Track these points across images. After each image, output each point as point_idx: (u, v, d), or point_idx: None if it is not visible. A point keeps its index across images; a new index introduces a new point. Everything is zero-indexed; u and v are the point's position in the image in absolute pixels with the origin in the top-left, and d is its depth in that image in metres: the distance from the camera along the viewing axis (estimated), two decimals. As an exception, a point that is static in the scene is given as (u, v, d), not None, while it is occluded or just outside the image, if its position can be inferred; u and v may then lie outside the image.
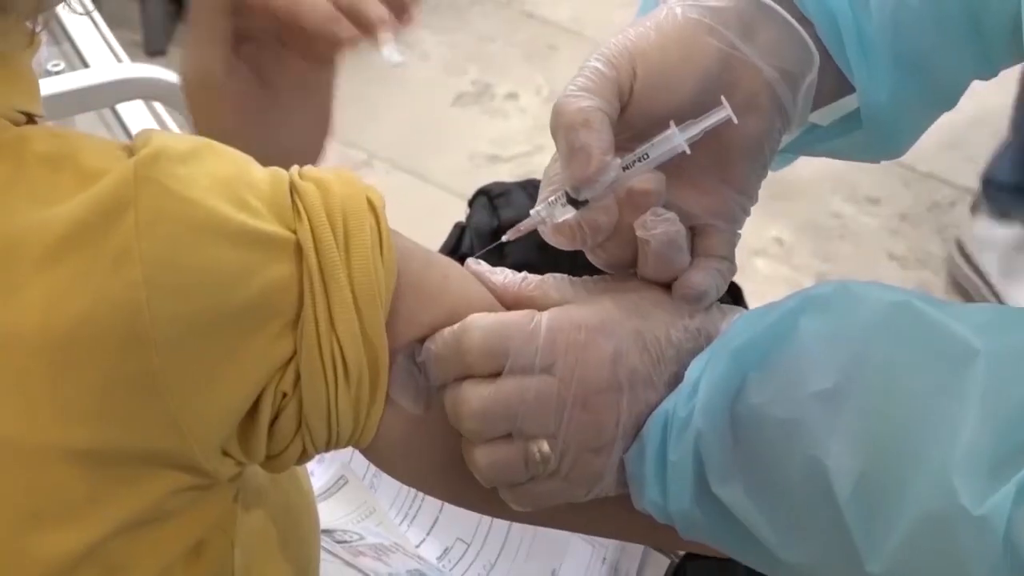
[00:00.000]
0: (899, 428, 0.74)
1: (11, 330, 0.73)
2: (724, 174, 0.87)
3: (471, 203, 1.77)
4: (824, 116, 0.92)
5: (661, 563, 1.26)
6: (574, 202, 0.83)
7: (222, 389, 0.77)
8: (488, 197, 1.72)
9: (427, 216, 2.73)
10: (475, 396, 0.81)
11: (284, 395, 0.79)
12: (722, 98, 0.83)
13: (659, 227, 0.83)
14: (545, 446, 0.81)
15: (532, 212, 0.85)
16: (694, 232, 0.87)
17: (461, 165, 2.85)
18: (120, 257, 0.73)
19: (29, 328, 0.73)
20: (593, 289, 0.85)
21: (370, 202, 0.81)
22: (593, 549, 1.29)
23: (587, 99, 0.82)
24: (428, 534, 1.34)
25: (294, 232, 0.78)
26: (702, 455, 0.80)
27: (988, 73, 0.91)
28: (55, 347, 0.73)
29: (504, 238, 0.85)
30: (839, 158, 0.95)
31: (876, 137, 0.90)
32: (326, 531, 1.31)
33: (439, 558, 1.33)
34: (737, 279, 1.66)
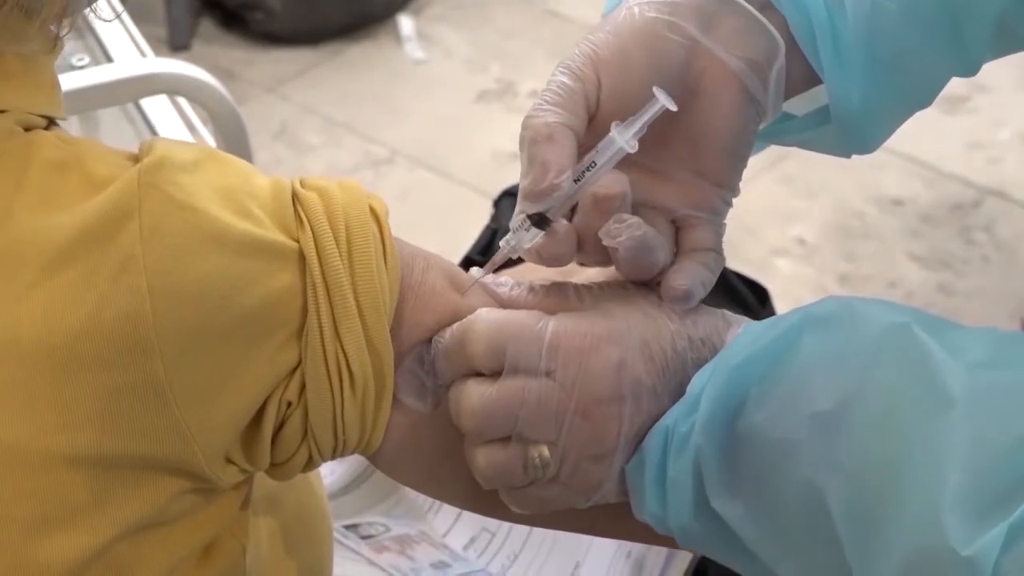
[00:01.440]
0: (893, 458, 0.73)
1: (15, 335, 0.73)
2: (699, 167, 0.87)
3: (496, 203, 1.76)
4: (799, 105, 0.91)
5: (685, 558, 1.26)
6: (538, 222, 0.84)
7: (227, 397, 0.77)
8: (515, 198, 1.72)
9: (449, 213, 2.74)
10: (476, 394, 0.81)
11: (289, 404, 0.79)
12: (654, 88, 0.83)
13: (623, 234, 0.83)
14: (545, 451, 0.81)
15: (501, 243, 0.85)
16: (677, 226, 0.87)
17: (483, 162, 2.85)
18: (124, 265, 0.74)
19: (33, 334, 0.73)
20: (600, 297, 0.85)
21: (372, 210, 0.81)
22: (618, 544, 1.29)
23: (553, 114, 0.83)
24: (455, 523, 1.35)
25: (297, 241, 0.78)
26: (701, 470, 0.80)
27: (968, 72, 0.90)
28: (58, 353, 0.73)
29: (483, 272, 0.85)
30: (810, 149, 0.95)
31: (846, 134, 0.90)
32: (352, 526, 1.32)
33: (465, 547, 1.34)
34: (760, 278, 1.67)
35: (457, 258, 1.60)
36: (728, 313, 0.85)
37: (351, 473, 1.36)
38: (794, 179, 2.70)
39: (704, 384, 0.80)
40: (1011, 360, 0.74)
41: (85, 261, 0.74)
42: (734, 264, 1.70)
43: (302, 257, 0.78)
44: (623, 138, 0.83)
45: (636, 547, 1.28)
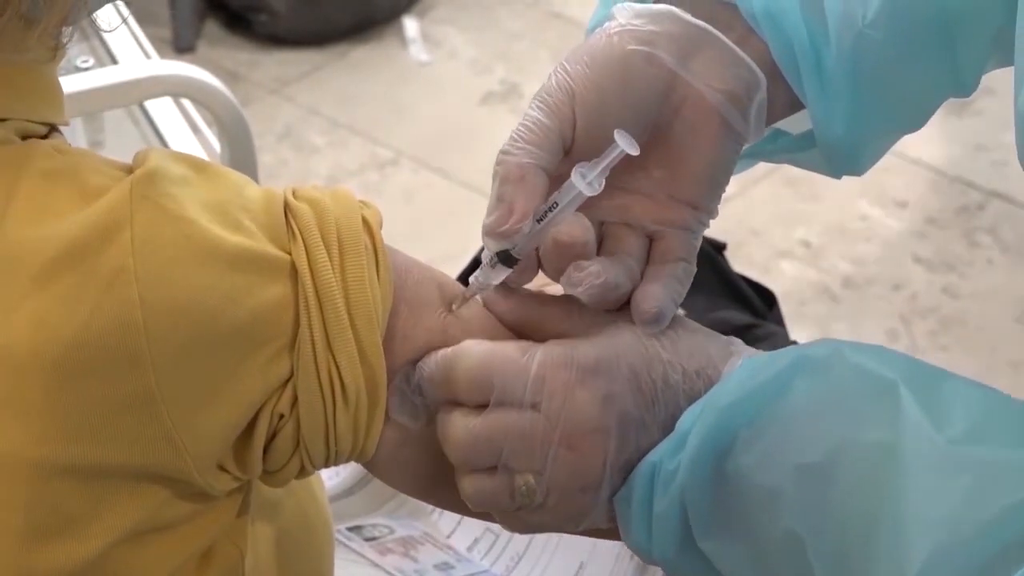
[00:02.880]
0: (867, 525, 0.73)
1: (9, 344, 0.73)
2: (674, 191, 0.86)
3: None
4: (794, 124, 0.91)
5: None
6: (505, 260, 0.84)
7: (218, 409, 0.77)
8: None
9: (454, 215, 2.74)
10: (462, 426, 0.81)
11: (281, 416, 0.79)
12: (616, 132, 0.82)
13: (583, 282, 0.82)
14: (531, 481, 0.81)
15: (471, 279, 0.86)
16: (651, 237, 0.86)
17: (488, 165, 2.83)
18: (116, 275, 0.74)
19: (26, 344, 0.73)
20: (596, 321, 0.84)
21: (365, 220, 0.81)
22: (622, 545, 1.29)
23: (527, 154, 0.83)
24: (459, 524, 1.35)
25: (289, 253, 0.78)
26: (687, 508, 0.79)
27: (962, 92, 0.89)
28: (51, 364, 0.73)
29: (454, 307, 0.86)
30: (800, 168, 0.94)
31: (832, 159, 0.89)
32: (356, 528, 1.32)
33: (469, 548, 1.34)
34: (764, 281, 1.66)
35: (463, 260, 1.60)
36: (731, 341, 0.85)
37: (355, 475, 1.36)
38: (798, 181, 2.69)
39: (693, 422, 0.80)
40: (993, 433, 0.73)
41: (77, 271, 0.74)
42: (738, 266, 1.70)
43: (294, 269, 0.78)
44: (584, 181, 0.82)
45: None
